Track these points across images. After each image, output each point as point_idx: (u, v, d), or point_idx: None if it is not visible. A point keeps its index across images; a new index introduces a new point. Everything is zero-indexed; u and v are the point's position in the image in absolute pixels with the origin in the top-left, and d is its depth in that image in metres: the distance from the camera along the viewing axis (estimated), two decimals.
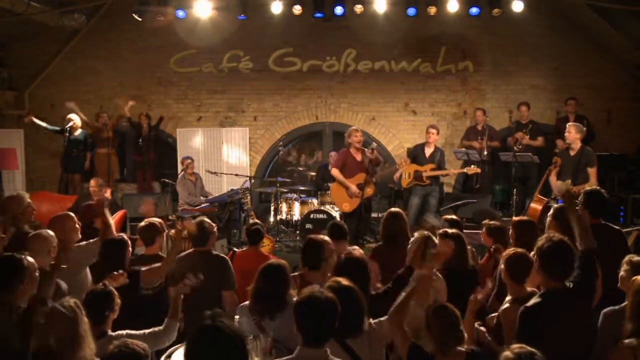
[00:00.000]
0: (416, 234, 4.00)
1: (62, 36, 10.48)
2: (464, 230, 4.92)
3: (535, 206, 6.83)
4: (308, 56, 10.40)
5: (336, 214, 8.09)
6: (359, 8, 8.92)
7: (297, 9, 8.99)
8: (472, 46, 10.12)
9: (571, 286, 3.14)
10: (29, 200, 5.15)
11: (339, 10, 8.97)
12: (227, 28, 9.88)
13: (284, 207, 8.74)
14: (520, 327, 3.05)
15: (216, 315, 2.29)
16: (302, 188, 9.16)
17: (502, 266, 3.54)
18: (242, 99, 10.64)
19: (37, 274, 3.28)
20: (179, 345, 3.61)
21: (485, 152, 8.96)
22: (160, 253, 4.70)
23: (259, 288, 3.49)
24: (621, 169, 8.86)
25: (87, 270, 4.39)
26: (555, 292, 3.08)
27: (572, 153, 7.13)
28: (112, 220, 5.63)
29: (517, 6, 8.69)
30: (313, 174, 9.76)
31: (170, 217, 8.12)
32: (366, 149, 7.43)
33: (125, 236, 4.39)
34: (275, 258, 4.53)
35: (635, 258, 3.49)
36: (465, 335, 2.98)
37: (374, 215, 8.35)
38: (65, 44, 10.59)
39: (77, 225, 4.50)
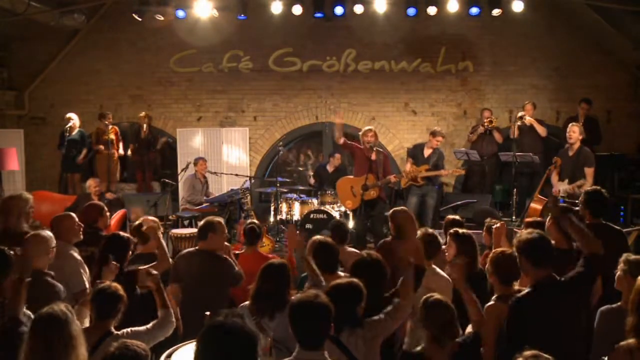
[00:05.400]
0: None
1: (62, 36, 10.47)
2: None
3: (535, 206, 6.84)
4: (308, 56, 10.39)
5: (336, 213, 8.09)
6: (359, 8, 8.92)
7: (297, 9, 8.99)
8: (472, 46, 10.11)
9: (562, 280, 3.16)
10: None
11: (339, 10, 8.96)
12: (227, 28, 9.88)
13: (284, 207, 8.73)
14: (511, 318, 3.08)
15: (230, 314, 2.30)
16: (302, 188, 9.17)
17: (488, 266, 3.55)
18: (242, 99, 10.63)
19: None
20: (179, 345, 3.62)
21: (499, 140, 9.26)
22: (156, 252, 4.69)
23: (260, 287, 3.52)
24: (621, 169, 8.85)
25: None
26: (544, 282, 3.13)
27: (570, 153, 7.12)
28: (112, 220, 5.64)
29: (517, 6, 8.67)
30: (312, 173, 9.76)
31: (170, 217, 8.14)
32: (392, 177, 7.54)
33: (130, 236, 4.38)
34: (275, 257, 4.53)
35: (632, 257, 3.48)
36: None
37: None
38: (65, 44, 10.58)
39: (76, 226, 4.49)
